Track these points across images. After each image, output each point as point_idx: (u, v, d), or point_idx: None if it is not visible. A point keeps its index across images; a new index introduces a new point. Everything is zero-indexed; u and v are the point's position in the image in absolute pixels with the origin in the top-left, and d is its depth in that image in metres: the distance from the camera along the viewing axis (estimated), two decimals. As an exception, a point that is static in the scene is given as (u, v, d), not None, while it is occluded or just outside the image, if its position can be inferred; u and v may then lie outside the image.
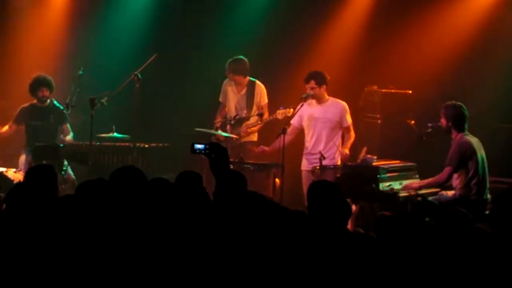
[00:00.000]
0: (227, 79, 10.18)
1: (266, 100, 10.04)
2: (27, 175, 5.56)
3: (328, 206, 4.73)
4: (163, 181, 4.84)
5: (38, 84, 9.85)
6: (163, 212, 4.48)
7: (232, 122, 9.89)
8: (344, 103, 9.47)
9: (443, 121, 8.27)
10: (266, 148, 9.54)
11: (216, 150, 5.06)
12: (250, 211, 5.18)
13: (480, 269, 3.77)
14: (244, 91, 10.07)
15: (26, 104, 10.03)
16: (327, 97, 9.45)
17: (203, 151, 5.10)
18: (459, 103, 8.29)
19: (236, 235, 4.34)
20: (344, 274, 4.09)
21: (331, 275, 4.11)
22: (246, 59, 9.96)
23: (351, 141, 9.40)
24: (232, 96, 10.12)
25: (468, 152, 8.13)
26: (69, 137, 9.85)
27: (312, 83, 9.30)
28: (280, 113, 9.59)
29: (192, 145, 5.19)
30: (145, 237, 4.28)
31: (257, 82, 10.08)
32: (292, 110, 9.49)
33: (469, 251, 3.88)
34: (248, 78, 10.04)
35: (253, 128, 9.94)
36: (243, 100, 10.06)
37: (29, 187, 4.76)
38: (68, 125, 9.94)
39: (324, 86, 9.36)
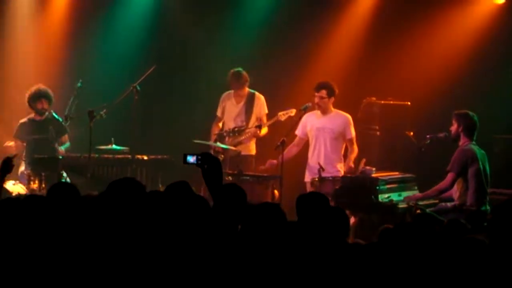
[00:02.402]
0: (225, 93, 10.22)
1: (266, 111, 10.10)
2: (49, 192, 5.44)
3: (316, 217, 4.72)
4: (157, 194, 4.83)
5: (37, 97, 9.83)
6: (158, 224, 4.48)
7: (231, 134, 9.90)
8: (349, 115, 9.51)
9: (454, 127, 8.26)
10: (274, 162, 9.50)
11: (209, 160, 5.04)
12: (249, 222, 5.17)
13: (478, 279, 3.77)
14: (243, 101, 10.11)
15: (25, 119, 9.99)
16: (332, 109, 9.48)
17: (195, 162, 5.09)
18: (471, 112, 8.30)
19: (234, 245, 4.35)
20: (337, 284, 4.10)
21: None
22: (243, 71, 10.03)
23: (355, 155, 9.38)
24: (231, 108, 10.14)
25: (470, 160, 8.11)
26: (61, 148, 9.81)
27: (323, 93, 9.35)
28: (282, 115, 9.66)
29: (184, 156, 5.18)
30: (142, 249, 4.28)
31: (256, 93, 10.13)
32: (294, 110, 9.57)
33: (468, 262, 3.88)
34: (247, 89, 10.10)
35: (253, 131, 9.95)
36: (242, 110, 10.09)
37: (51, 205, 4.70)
38: (67, 136, 9.92)
39: (332, 98, 9.41)
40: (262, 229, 4.42)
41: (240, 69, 10.05)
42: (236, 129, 9.93)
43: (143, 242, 4.33)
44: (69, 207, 4.96)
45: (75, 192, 5.33)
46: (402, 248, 3.69)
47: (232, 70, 10.05)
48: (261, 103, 10.11)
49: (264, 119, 10.03)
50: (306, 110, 9.43)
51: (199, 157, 5.06)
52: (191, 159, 5.10)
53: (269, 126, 9.98)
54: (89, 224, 4.45)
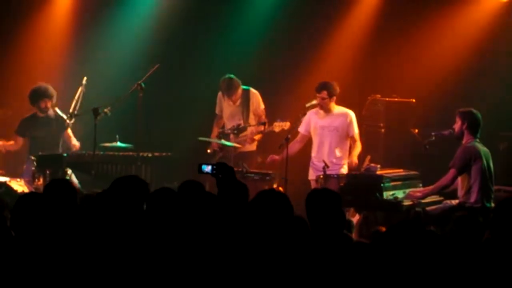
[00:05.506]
0: (221, 92, 10.20)
1: (263, 106, 10.09)
2: (45, 189, 5.44)
3: (325, 214, 4.74)
4: (168, 191, 4.86)
5: (39, 95, 9.86)
6: (169, 221, 4.50)
7: (235, 131, 9.90)
8: (352, 113, 9.50)
9: (457, 125, 8.26)
10: (276, 157, 9.52)
11: (224, 170, 5.11)
12: (254, 218, 5.18)
13: (478, 276, 3.78)
14: (239, 101, 10.10)
15: (27, 115, 10.04)
16: (335, 106, 9.48)
17: (210, 172, 5.17)
18: (475, 110, 8.30)
19: (238, 240, 4.37)
20: (343, 281, 4.10)
21: (329, 282, 4.12)
22: (234, 77, 9.97)
23: (358, 151, 9.40)
24: (228, 108, 10.16)
25: (473, 157, 8.11)
26: (75, 142, 9.89)
27: (324, 94, 9.35)
28: (276, 126, 9.66)
29: (199, 166, 5.29)
30: (150, 247, 4.28)
31: (251, 89, 10.11)
32: (289, 123, 9.58)
33: (469, 259, 3.89)
34: (241, 89, 10.05)
35: (257, 136, 9.97)
36: (238, 110, 10.08)
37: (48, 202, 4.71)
38: (69, 131, 9.93)
39: (334, 98, 9.40)
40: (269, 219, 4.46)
41: (230, 75, 9.98)
42: (240, 126, 9.92)
43: (146, 240, 4.34)
44: (66, 204, 4.98)
45: (71, 189, 5.34)
46: (401, 248, 3.71)
47: (222, 79, 10.00)
48: (256, 99, 10.09)
49: (263, 115, 10.01)
50: (310, 107, 9.45)
51: (214, 166, 5.16)
52: (206, 168, 5.22)
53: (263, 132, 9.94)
54: (90, 221, 4.46)
